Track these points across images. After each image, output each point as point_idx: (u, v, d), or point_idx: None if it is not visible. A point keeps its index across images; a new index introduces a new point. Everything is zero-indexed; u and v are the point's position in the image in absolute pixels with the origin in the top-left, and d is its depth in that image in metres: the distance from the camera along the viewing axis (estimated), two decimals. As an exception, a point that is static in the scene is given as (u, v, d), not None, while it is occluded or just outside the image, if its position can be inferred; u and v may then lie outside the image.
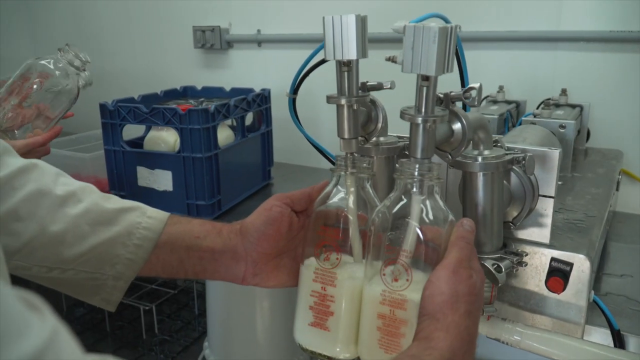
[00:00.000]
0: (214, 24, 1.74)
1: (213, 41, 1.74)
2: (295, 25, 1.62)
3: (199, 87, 1.58)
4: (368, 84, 0.62)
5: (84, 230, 0.59)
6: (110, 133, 1.28)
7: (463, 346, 0.48)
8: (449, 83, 0.63)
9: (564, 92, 1.18)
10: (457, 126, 0.58)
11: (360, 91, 0.60)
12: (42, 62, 1.14)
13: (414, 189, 0.54)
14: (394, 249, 0.53)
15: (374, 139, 0.69)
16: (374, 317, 0.55)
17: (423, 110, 0.53)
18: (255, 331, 1.30)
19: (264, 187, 1.50)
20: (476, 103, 0.55)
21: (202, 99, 1.47)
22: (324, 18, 0.55)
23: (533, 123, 1.00)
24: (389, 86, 0.61)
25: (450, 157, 0.60)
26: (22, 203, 0.56)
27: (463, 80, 0.71)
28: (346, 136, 0.59)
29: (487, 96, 1.26)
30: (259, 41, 1.70)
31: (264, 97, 1.43)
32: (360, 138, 0.64)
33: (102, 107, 1.27)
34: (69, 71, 1.15)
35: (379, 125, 0.64)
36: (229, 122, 1.38)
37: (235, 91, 1.49)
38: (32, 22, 2.22)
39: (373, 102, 0.64)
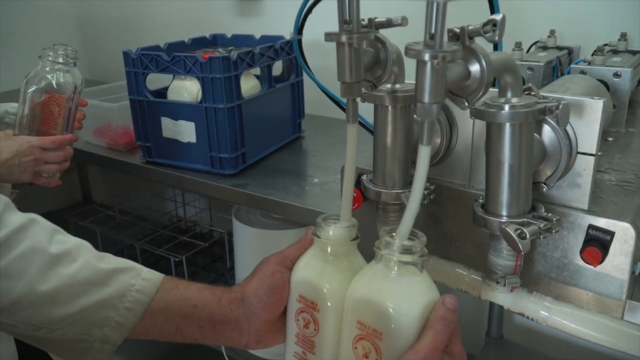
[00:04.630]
0: (247, -32, 1.65)
1: (246, -13, 1.66)
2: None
3: (229, 35, 1.51)
4: (376, 20, 0.53)
5: (76, 290, 0.57)
6: (134, 82, 1.25)
7: None
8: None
9: (623, 36, 1.03)
10: (474, 67, 0.49)
11: (365, 28, 0.52)
12: (50, 81, 1.08)
13: (392, 272, 0.49)
14: (365, 326, 0.50)
15: (388, 85, 0.61)
16: None
17: (431, 44, 0.44)
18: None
19: (294, 140, 1.44)
20: (497, 38, 0.45)
21: (231, 48, 1.40)
22: (318, -62, 0.47)
23: (583, 72, 0.88)
24: (399, 22, 0.52)
25: (466, 103, 0.51)
26: (14, 261, 0.56)
27: (493, 12, 0.61)
28: (347, 79, 0.51)
29: (537, 42, 1.13)
30: (293, -15, 1.60)
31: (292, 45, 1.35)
32: (366, 83, 0.56)
33: (126, 55, 1.23)
34: (66, 77, 1.10)
35: (389, 68, 0.56)
36: (256, 71, 1.31)
37: (266, 39, 1.41)
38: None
39: (382, 41, 0.55)
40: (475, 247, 0.67)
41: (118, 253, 1.98)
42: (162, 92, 1.30)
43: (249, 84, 1.26)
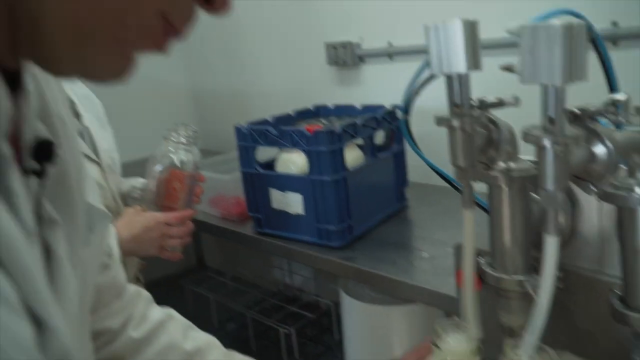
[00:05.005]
0: (345, 39, 1.70)
1: (345, 57, 1.70)
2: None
3: (332, 105, 1.54)
4: (486, 100, 0.51)
5: None
6: (245, 155, 1.31)
7: None
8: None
9: None
10: (599, 149, 0.45)
11: (477, 109, 0.50)
12: (173, 160, 1.15)
13: None
14: None
15: (502, 164, 0.57)
16: None
17: (551, 130, 0.41)
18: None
19: (400, 210, 1.41)
20: (622, 119, 0.41)
21: (333, 118, 1.43)
22: (425, 26, 0.46)
23: None
24: (511, 102, 0.50)
25: (593, 188, 0.46)
26: (154, 356, 0.61)
27: (612, 89, 0.56)
28: (460, 164, 0.49)
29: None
30: (390, 54, 1.62)
31: (394, 114, 1.35)
32: (480, 165, 0.53)
33: (237, 130, 1.30)
34: (188, 156, 1.17)
35: (503, 149, 0.53)
36: (359, 141, 1.32)
37: (367, 109, 1.43)
38: (184, 45, 2.40)
39: (493, 121, 0.53)
40: (616, 343, 0.59)
41: (231, 322, 2.01)
42: (270, 164, 1.35)
43: (352, 155, 1.27)
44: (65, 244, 0.38)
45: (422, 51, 1.51)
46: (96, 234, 0.46)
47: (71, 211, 0.40)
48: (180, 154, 1.15)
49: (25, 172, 0.35)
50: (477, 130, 0.51)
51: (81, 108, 1.16)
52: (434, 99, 0.70)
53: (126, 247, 1.02)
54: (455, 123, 0.48)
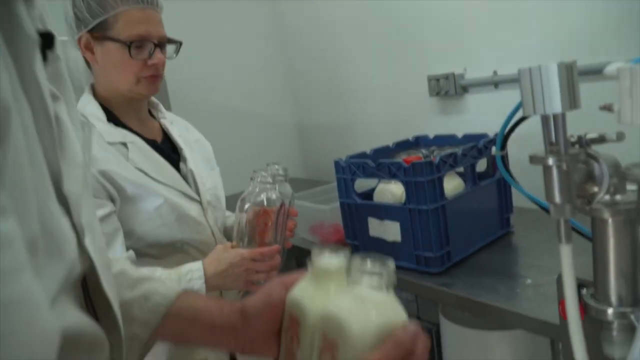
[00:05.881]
0: (448, 71, 1.72)
1: (447, 88, 1.72)
2: (536, 61, 1.49)
3: (432, 136, 1.57)
4: (587, 137, 0.52)
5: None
6: (344, 187, 1.36)
7: None
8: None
9: None
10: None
11: (576, 146, 0.51)
12: (260, 199, 1.21)
13: (357, 292, 0.54)
14: (327, 339, 0.56)
15: (607, 197, 0.57)
16: None
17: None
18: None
19: (503, 237, 1.39)
20: None
21: (433, 148, 1.45)
22: (519, 70, 0.49)
23: None
24: (613, 138, 0.51)
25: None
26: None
27: None
28: (557, 201, 0.51)
29: None
30: (496, 83, 1.62)
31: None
32: (582, 200, 0.54)
33: (336, 164, 1.37)
34: (275, 194, 1.22)
35: (605, 185, 0.54)
36: (460, 169, 1.33)
37: (468, 138, 1.43)
38: (292, 84, 2.53)
39: (594, 157, 0.54)
40: None
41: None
42: (368, 194, 1.39)
43: (452, 184, 1.28)
44: (66, 115, 0.48)
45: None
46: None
47: (65, 90, 0.50)
48: (268, 194, 1.21)
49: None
50: (576, 167, 0.53)
51: (187, 152, 1.27)
52: (536, 124, 0.71)
53: (212, 282, 1.11)
54: (550, 162, 0.50)
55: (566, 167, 0.49)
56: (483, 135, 1.39)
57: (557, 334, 0.89)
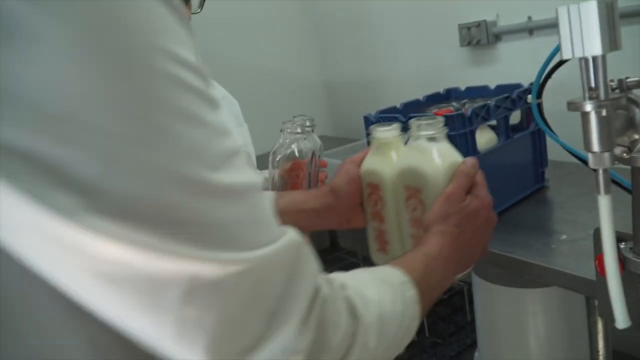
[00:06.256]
0: (480, 18, 1.65)
1: (479, 37, 1.65)
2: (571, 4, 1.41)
3: (463, 88, 1.52)
4: (627, 80, 0.49)
5: None
6: (374, 143, 1.34)
7: (453, 246, 0.66)
8: None
9: None
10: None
11: (617, 90, 0.48)
12: (292, 150, 1.21)
13: (422, 145, 0.73)
14: (410, 188, 0.74)
15: (648, 145, 0.54)
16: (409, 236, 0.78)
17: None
18: (527, 346, 1.19)
19: (537, 191, 1.35)
20: None
21: (465, 101, 1.41)
22: (557, 10, 0.45)
23: None
24: (657, 81, 0.47)
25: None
26: None
27: None
28: (595, 149, 0.48)
29: None
30: (530, 29, 1.54)
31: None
32: (621, 148, 0.51)
33: (366, 119, 1.33)
34: (305, 144, 1.22)
35: (647, 130, 0.50)
36: (492, 122, 1.29)
37: (501, 89, 1.38)
38: (319, 39, 2.48)
39: (635, 102, 0.50)
40: None
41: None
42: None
43: (485, 137, 1.25)
44: None
45: (561, 24, 1.43)
46: None
47: None
48: (299, 144, 1.21)
49: None
50: (616, 113, 0.49)
51: None
52: (571, 72, 0.67)
53: None
54: (588, 107, 0.46)
55: (606, 113, 0.46)
56: (517, 86, 1.34)
57: (593, 290, 0.87)
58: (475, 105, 1.19)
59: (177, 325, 0.34)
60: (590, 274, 0.88)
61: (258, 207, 0.39)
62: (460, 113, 1.15)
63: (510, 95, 1.25)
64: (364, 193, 0.82)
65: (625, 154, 0.52)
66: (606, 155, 0.47)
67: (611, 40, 0.43)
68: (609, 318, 0.69)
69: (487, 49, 1.69)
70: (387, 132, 0.77)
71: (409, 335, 0.56)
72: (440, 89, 1.54)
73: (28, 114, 0.29)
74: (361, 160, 0.82)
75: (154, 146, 0.32)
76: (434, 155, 0.70)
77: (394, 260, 0.61)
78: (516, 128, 1.33)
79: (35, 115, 0.29)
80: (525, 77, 1.38)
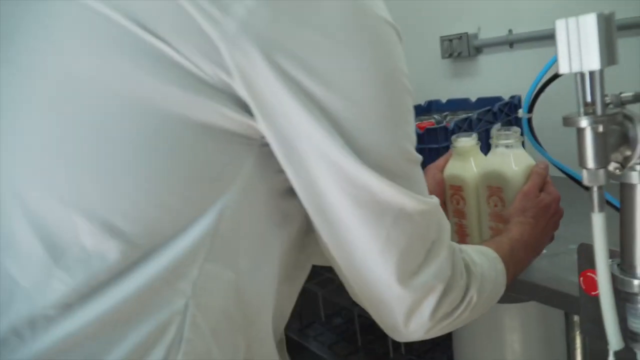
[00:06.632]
0: (461, 31, 1.66)
1: (460, 49, 1.66)
2: (553, 19, 1.42)
3: (444, 100, 1.52)
4: (622, 95, 0.48)
5: None
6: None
7: (531, 234, 0.80)
8: None
9: None
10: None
11: (611, 105, 0.47)
12: None
13: (503, 152, 0.86)
14: (492, 187, 0.88)
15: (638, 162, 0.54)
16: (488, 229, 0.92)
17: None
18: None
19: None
20: None
21: (446, 113, 1.41)
22: (555, 23, 0.44)
23: None
24: (653, 97, 0.46)
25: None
26: None
27: None
28: (590, 166, 0.47)
29: None
30: (511, 42, 1.56)
31: (513, 106, 1.30)
32: (614, 165, 0.51)
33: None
34: None
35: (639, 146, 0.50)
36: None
37: (482, 101, 1.39)
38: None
39: (629, 117, 0.49)
40: None
41: (338, 316, 2.02)
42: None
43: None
44: None
45: (545, 37, 1.44)
46: None
47: None
48: None
49: None
50: (611, 128, 0.49)
51: None
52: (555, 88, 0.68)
53: None
54: (584, 123, 0.45)
55: (602, 129, 0.45)
56: (498, 99, 1.35)
57: (573, 306, 0.86)
58: (457, 118, 1.19)
59: (385, 240, 0.51)
60: (571, 289, 0.87)
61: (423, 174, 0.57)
62: (443, 126, 1.14)
63: (492, 108, 1.25)
64: (447, 194, 0.93)
65: (617, 171, 0.52)
66: (601, 172, 0.46)
67: (609, 55, 0.43)
68: (594, 336, 0.68)
69: (468, 62, 1.70)
70: (467, 142, 0.89)
71: (497, 296, 0.71)
72: (422, 101, 1.53)
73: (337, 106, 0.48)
74: (443, 166, 0.93)
75: (397, 131, 0.52)
76: (512, 159, 0.84)
77: (487, 242, 0.76)
78: (497, 141, 1.33)
79: (340, 109, 0.48)
80: (506, 89, 1.39)
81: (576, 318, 1.15)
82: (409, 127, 0.54)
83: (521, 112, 0.63)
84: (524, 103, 0.62)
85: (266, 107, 0.46)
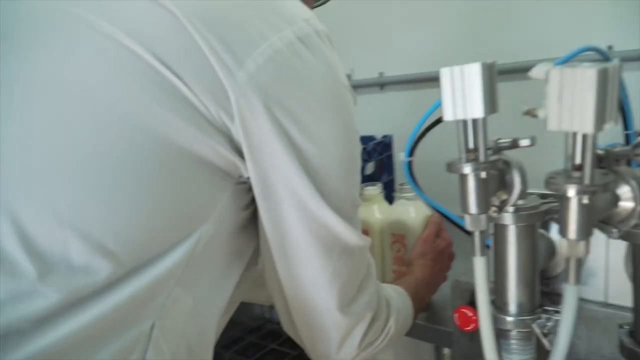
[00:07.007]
0: (335, 70, 1.70)
1: (334, 88, 1.70)
2: (420, 64, 1.52)
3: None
4: (499, 142, 0.50)
5: None
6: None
7: (430, 274, 0.89)
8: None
9: None
10: (624, 192, 0.44)
11: (489, 151, 0.49)
12: None
13: (404, 204, 0.99)
14: (395, 235, 0.98)
15: (512, 204, 0.56)
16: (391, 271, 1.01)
17: (578, 177, 0.40)
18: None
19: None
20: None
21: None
22: (440, 71, 0.45)
23: None
24: (527, 143, 0.49)
25: (616, 232, 0.46)
26: None
27: (626, 126, 0.56)
28: (473, 212, 0.48)
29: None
30: (381, 84, 1.63)
31: (385, 145, 1.35)
32: (492, 208, 0.52)
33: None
34: None
35: (516, 191, 0.52)
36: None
37: (356, 140, 1.42)
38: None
39: (507, 162, 0.52)
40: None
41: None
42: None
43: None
44: None
45: (413, 81, 1.53)
46: None
47: None
48: None
49: None
50: (491, 173, 0.50)
51: None
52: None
53: None
54: (467, 170, 0.46)
55: (485, 175, 0.46)
56: (370, 138, 1.39)
57: (445, 340, 0.89)
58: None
59: (332, 271, 0.59)
60: (442, 323, 0.90)
61: None
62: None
63: (366, 147, 1.29)
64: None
65: (495, 213, 0.53)
66: (483, 217, 0.47)
67: (492, 103, 0.44)
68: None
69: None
70: (372, 190, 1.00)
71: (406, 329, 0.78)
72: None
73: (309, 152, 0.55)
74: None
75: (352, 180, 0.62)
76: (412, 209, 0.95)
77: (397, 281, 0.85)
78: (371, 178, 1.36)
79: (315, 157, 0.56)
80: (377, 129, 1.44)
81: (446, 350, 1.19)
82: (359, 177, 0.63)
83: (402, 155, 0.64)
84: (407, 146, 0.63)
85: (256, 149, 0.52)
